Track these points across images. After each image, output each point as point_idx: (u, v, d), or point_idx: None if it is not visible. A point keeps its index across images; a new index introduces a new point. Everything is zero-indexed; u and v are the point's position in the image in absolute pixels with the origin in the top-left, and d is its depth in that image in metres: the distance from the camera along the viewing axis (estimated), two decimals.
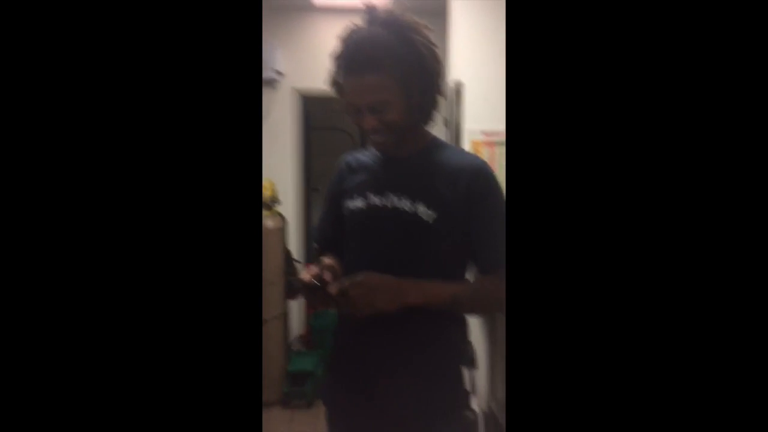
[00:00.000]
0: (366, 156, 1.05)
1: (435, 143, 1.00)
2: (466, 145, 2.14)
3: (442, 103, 0.98)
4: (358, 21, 0.92)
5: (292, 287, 0.97)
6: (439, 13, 2.16)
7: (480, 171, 0.93)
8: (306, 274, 0.92)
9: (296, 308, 3.15)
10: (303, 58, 3.08)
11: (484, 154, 2.14)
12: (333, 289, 0.84)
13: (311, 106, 3.37)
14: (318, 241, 1.11)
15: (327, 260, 0.96)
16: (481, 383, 2.15)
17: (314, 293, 0.88)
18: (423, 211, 0.92)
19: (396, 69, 0.87)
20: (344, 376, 1.00)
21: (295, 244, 3.11)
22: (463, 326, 1.01)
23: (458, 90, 2.20)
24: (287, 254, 2.84)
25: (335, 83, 0.94)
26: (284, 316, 2.83)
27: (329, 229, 1.08)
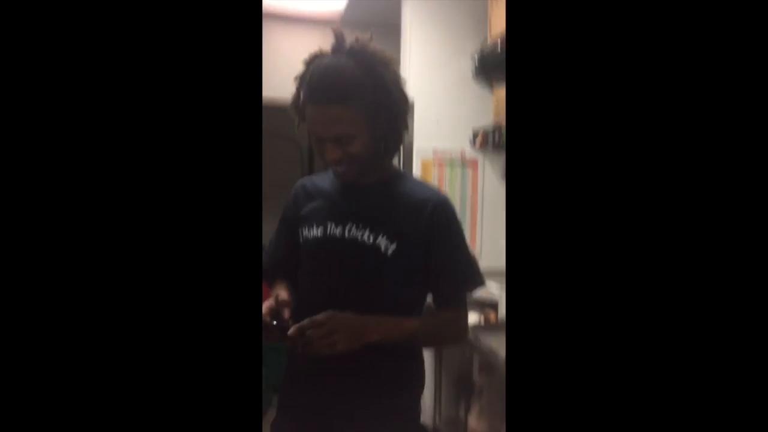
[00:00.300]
0: (324, 181, 1.02)
1: (397, 174, 0.99)
2: (416, 164, 2.15)
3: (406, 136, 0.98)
4: (324, 46, 0.89)
5: None
6: (391, 29, 2.16)
7: (441, 205, 0.93)
8: (262, 309, 0.87)
9: None
10: None
11: (434, 174, 2.16)
12: (292, 330, 0.80)
13: None
14: (268, 266, 1.05)
15: (282, 294, 0.91)
16: (427, 402, 2.15)
17: (269, 330, 0.83)
18: (383, 242, 0.90)
19: (362, 102, 0.84)
20: (296, 414, 0.95)
21: None
22: (419, 359, 0.99)
23: (410, 109, 2.21)
24: None
25: (298, 109, 0.91)
26: None
27: (280, 255, 1.04)
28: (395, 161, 1.02)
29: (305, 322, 0.81)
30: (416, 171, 2.13)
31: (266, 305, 0.86)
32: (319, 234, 0.94)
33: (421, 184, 1.00)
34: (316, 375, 0.92)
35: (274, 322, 0.83)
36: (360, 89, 0.84)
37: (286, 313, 0.85)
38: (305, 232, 0.96)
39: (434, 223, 0.91)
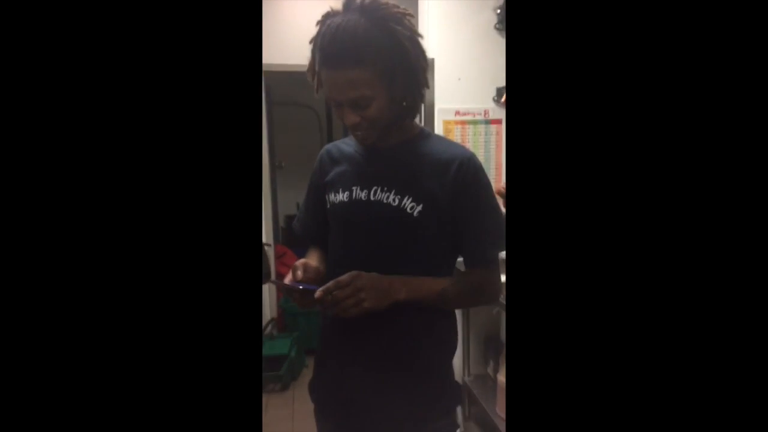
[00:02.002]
0: (348, 145, 1.00)
1: (421, 134, 0.96)
2: (438, 125, 2.10)
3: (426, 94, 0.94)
4: (335, 5, 0.85)
5: (276, 284, 0.93)
6: None
7: (468, 162, 0.90)
8: (288, 277, 0.89)
9: (268, 292, 3.09)
10: (263, 31, 2.91)
11: (456, 135, 2.12)
12: (318, 292, 0.81)
13: (272, 80, 3.21)
14: (299, 234, 1.07)
15: (311, 260, 0.93)
16: (456, 360, 2.19)
17: (301, 295, 0.85)
18: (408, 204, 0.89)
19: (378, 63, 0.81)
20: (331, 377, 0.98)
21: (263, 224, 3.02)
22: (452, 319, 1.00)
23: (430, 68, 2.14)
24: None
25: (315, 74, 0.88)
26: None
27: (312, 223, 1.05)
28: (417, 121, 1.00)
29: (331, 283, 0.81)
30: (438, 132, 2.09)
31: (297, 271, 0.88)
32: (345, 198, 0.94)
33: (447, 142, 0.97)
34: (349, 338, 0.94)
35: (300, 287, 0.84)
36: (375, 49, 0.80)
37: (308, 276, 0.87)
38: (332, 197, 0.96)
39: (461, 181, 0.89)
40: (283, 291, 0.87)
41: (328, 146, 1.04)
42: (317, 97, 0.92)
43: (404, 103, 0.90)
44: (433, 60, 2.09)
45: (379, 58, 0.81)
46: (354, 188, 0.93)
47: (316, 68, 0.85)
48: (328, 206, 0.97)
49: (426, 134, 0.97)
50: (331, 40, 0.80)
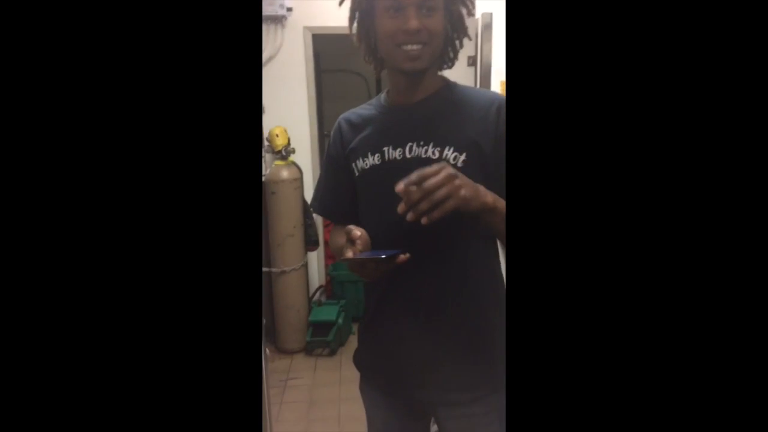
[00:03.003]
0: (368, 109, 0.95)
1: (448, 85, 0.91)
2: (495, 87, 1.99)
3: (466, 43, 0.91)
4: None
5: (347, 261, 0.84)
6: None
7: (505, 105, 0.84)
8: (349, 252, 0.80)
9: (315, 259, 3.12)
10: None
11: None
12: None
13: (320, 45, 3.15)
14: (324, 215, 1.02)
15: (359, 230, 0.84)
16: None
17: (378, 264, 0.76)
18: (452, 155, 0.82)
19: None
20: (382, 344, 0.94)
21: (311, 194, 3.03)
22: (503, 284, 0.93)
23: (487, 24, 2.00)
24: (305, 205, 2.77)
25: (361, 29, 0.86)
26: (304, 268, 2.81)
27: (334, 199, 0.98)
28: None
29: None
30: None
31: (357, 242, 0.80)
32: (376, 161, 0.88)
33: (476, 89, 0.93)
34: (400, 301, 0.89)
35: (383, 255, 0.75)
36: None
37: (361, 245, 0.79)
38: (360, 163, 0.90)
39: (503, 123, 0.82)
40: (353, 266, 0.78)
41: (345, 114, 0.97)
42: (367, 61, 0.91)
43: (452, 44, 0.88)
44: (490, 15, 1.96)
45: None
46: (386, 148, 0.87)
47: (362, 13, 0.84)
48: (356, 174, 0.91)
49: (452, 84, 0.91)
50: None
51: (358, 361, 1.01)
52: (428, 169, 0.68)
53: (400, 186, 0.68)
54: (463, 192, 0.69)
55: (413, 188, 0.67)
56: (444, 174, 0.68)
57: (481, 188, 0.74)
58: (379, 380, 0.97)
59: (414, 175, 0.67)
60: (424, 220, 0.68)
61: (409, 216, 0.68)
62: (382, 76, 0.93)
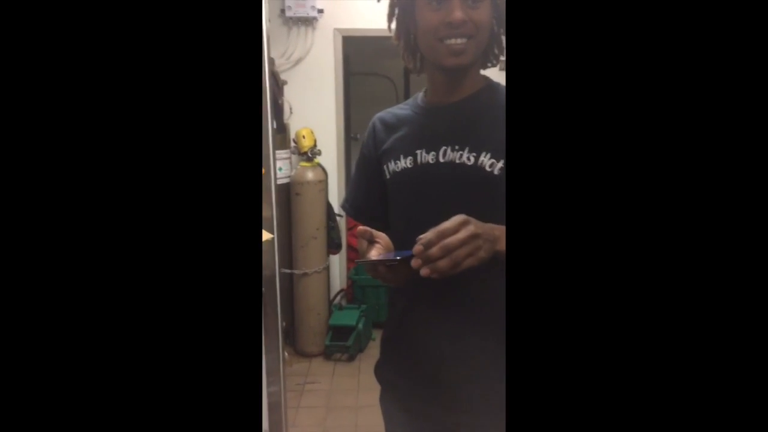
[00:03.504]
0: (404, 109, 0.90)
1: (489, 86, 0.85)
2: None
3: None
4: None
5: (363, 263, 0.81)
6: None
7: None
8: (373, 252, 0.77)
9: (337, 263, 3.09)
10: None
11: None
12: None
13: (350, 48, 3.14)
14: (355, 217, 0.96)
15: (379, 233, 0.80)
16: None
17: (396, 267, 0.72)
18: (488, 161, 0.77)
19: None
20: (409, 357, 0.89)
21: (336, 196, 3.00)
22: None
23: None
24: (329, 207, 2.75)
25: (399, 24, 0.82)
26: (326, 270, 2.78)
27: (366, 200, 0.94)
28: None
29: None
30: None
31: (377, 243, 0.77)
32: (408, 164, 0.84)
33: None
34: (429, 311, 0.85)
35: (398, 257, 0.70)
36: None
37: (382, 250, 0.76)
38: (391, 165, 0.86)
39: None
40: (370, 269, 0.74)
41: (380, 114, 0.93)
42: (404, 60, 0.86)
43: (496, 42, 0.83)
44: None
45: None
46: (419, 151, 0.83)
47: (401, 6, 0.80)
48: (388, 176, 0.87)
49: (495, 85, 0.85)
50: None
51: (380, 374, 0.96)
52: (447, 225, 0.64)
53: (418, 247, 0.64)
54: (482, 253, 0.66)
55: (434, 246, 0.63)
56: (465, 234, 0.64)
57: (498, 233, 0.68)
58: (402, 397, 0.92)
59: (431, 234, 0.64)
60: (435, 276, 0.64)
61: (424, 272, 0.64)
62: (412, 79, 0.90)
